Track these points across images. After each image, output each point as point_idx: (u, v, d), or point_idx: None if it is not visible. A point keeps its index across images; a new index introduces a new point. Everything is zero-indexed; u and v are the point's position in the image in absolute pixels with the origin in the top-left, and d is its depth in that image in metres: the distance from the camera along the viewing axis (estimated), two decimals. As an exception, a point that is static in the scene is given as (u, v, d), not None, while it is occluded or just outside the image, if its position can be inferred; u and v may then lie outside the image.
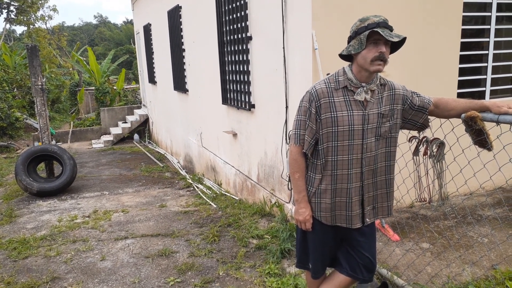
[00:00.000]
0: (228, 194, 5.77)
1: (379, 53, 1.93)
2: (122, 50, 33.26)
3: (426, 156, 2.57)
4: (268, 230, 4.18)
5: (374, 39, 1.94)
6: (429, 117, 2.22)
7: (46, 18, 21.44)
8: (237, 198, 5.52)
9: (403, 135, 2.44)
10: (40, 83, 6.68)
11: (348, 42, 2.07)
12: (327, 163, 2.12)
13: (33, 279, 3.52)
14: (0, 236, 4.59)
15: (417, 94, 2.21)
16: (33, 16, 20.97)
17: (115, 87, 15.25)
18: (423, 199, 2.81)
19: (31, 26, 21.25)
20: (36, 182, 6.24)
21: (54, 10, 22.14)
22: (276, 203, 4.48)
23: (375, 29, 1.90)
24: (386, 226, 3.73)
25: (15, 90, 14.64)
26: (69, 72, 21.13)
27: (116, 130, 12.10)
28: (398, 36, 1.92)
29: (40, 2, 20.71)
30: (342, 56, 2.12)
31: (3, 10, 16.58)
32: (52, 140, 7.80)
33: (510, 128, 2.01)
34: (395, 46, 2.03)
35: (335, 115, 2.06)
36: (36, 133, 11.13)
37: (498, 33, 4.44)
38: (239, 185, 5.58)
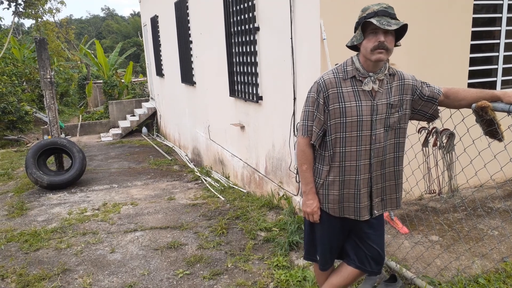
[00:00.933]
0: (236, 187, 5.78)
1: (378, 42, 1.91)
2: (129, 42, 33.32)
3: (436, 147, 2.53)
4: (276, 222, 4.18)
5: (372, 28, 1.93)
6: (439, 107, 2.19)
7: (54, 11, 21.47)
8: (245, 191, 5.53)
9: (412, 126, 2.41)
10: (49, 76, 6.72)
11: (355, 32, 2.05)
12: (335, 154, 2.10)
13: (45, 271, 3.57)
14: (12, 228, 4.65)
15: (427, 84, 2.18)
16: (41, 9, 21.03)
17: (123, 80, 15.30)
18: (432, 191, 2.79)
19: (39, 20, 21.33)
20: (46, 175, 6.30)
21: (62, 3, 22.16)
22: (284, 196, 4.47)
23: (370, 20, 1.89)
24: (395, 218, 3.71)
25: (24, 83, 14.78)
26: (77, 66, 21.24)
27: (124, 123, 12.16)
28: (397, 23, 1.88)
29: (47, -5, 20.75)
30: (349, 46, 2.10)
31: (11, 4, 16.65)
32: (61, 134, 7.87)
33: (522, 119, 1.98)
34: (401, 33, 2.00)
35: (344, 105, 2.04)
36: (46, 126, 11.24)
37: (510, 21, 4.35)
38: (247, 177, 5.58)
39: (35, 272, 3.57)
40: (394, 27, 1.87)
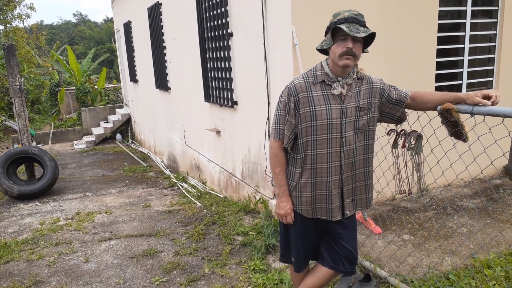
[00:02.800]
0: (213, 192, 5.77)
1: (346, 48, 1.97)
2: (102, 48, 32.79)
3: (405, 148, 2.62)
4: (253, 226, 4.19)
5: (341, 34, 1.98)
6: (406, 110, 2.26)
7: (24, 16, 20.94)
8: (222, 196, 5.52)
9: (382, 128, 2.48)
10: (18, 83, 6.54)
11: (325, 36, 2.10)
12: (306, 157, 2.14)
13: (15, 284, 3.46)
14: (-20, 240, 4.49)
15: (394, 88, 2.25)
16: (9, 14, 20.46)
17: (96, 87, 15.02)
18: (402, 191, 2.87)
19: (8, 25, 20.73)
20: (17, 185, 6.12)
21: (32, 8, 21.63)
22: (261, 200, 4.49)
23: (340, 26, 1.93)
24: (368, 219, 3.79)
25: (-7, 91, 14.31)
26: (49, 72, 20.71)
27: (98, 130, 11.93)
28: (365, 31, 1.94)
29: (16, 0, 20.21)
30: (319, 50, 2.15)
31: (-22, 10, 16.16)
32: (32, 142, 7.65)
33: (484, 119, 2.06)
34: (369, 41, 2.06)
35: (314, 109, 2.08)
36: (16, 135, 10.90)
37: (474, 27, 4.53)
38: (224, 182, 5.58)
39: (5, 285, 3.46)
40: (362, 34, 1.92)
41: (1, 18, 20.05)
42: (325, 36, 2.10)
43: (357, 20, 1.97)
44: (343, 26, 1.92)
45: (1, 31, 19.99)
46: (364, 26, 1.98)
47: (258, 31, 4.08)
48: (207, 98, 5.62)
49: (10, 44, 6.65)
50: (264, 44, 4.02)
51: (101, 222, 4.91)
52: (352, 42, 1.96)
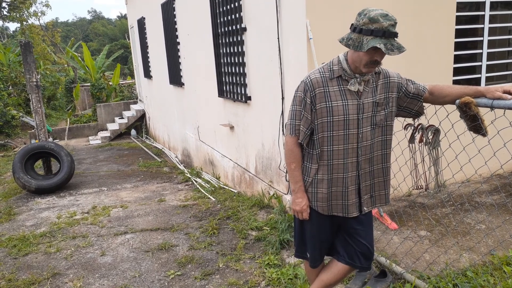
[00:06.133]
0: (227, 187, 5.78)
1: (375, 60, 1.92)
2: (116, 45, 33.09)
3: (422, 143, 2.57)
4: (267, 221, 4.19)
5: (375, 47, 1.87)
6: (424, 104, 2.22)
7: (39, 14, 21.25)
8: (235, 191, 5.54)
9: (399, 122, 2.44)
10: (34, 80, 6.64)
11: (350, 29, 1.97)
12: (322, 153, 2.12)
13: (34, 276, 3.54)
14: (0, 234, 4.59)
15: (412, 82, 2.21)
16: (26, 12, 20.78)
17: (110, 83, 15.18)
18: (419, 187, 2.83)
19: (24, 23, 21.07)
20: (34, 180, 6.23)
21: (47, 5, 21.93)
22: (275, 195, 4.49)
23: (377, 44, 1.83)
24: (384, 214, 3.75)
25: (10, 88, 14.57)
26: (64, 69, 21.01)
27: (113, 126, 12.07)
28: (399, 48, 1.85)
29: (32, -2, 20.51)
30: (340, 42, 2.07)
31: (-5, 7, 16.44)
32: (49, 137, 7.78)
33: (504, 113, 2.02)
34: None
35: (330, 105, 2.06)
36: (33, 130, 11.10)
37: (492, 19, 4.43)
38: (237, 178, 5.59)
39: (25, 277, 3.53)
40: (396, 53, 1.84)
41: (18, 16, 20.38)
42: (351, 31, 1.96)
43: (393, 33, 1.86)
44: (381, 45, 1.83)
45: (18, 29, 20.32)
46: (397, 35, 1.89)
47: (272, 25, 4.05)
48: (221, 93, 5.62)
49: (27, 41, 6.74)
50: (278, 38, 3.99)
51: (117, 216, 4.97)
52: (381, 53, 1.90)
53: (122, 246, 4.06)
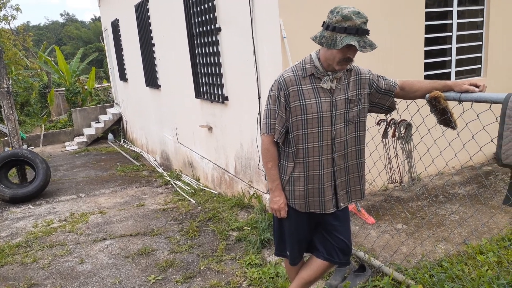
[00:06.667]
0: (207, 189, 5.76)
1: (348, 57, 1.95)
2: (91, 48, 32.48)
3: (395, 138, 2.63)
4: (247, 221, 4.20)
5: (349, 44, 1.89)
6: (395, 99, 2.27)
7: (9, 18, 20.66)
8: (215, 192, 5.52)
9: (372, 118, 2.48)
10: (6, 86, 6.47)
11: (323, 27, 1.98)
12: (298, 150, 2.14)
13: None
14: (-27, 246, 4.45)
15: (383, 78, 2.25)
16: (-5, 17, 20.17)
17: (86, 87, 14.89)
18: (394, 181, 2.88)
19: (-6, 28, 20.44)
20: (8, 189, 6.06)
21: (17, 9, 21.34)
22: (255, 194, 4.50)
23: (351, 42, 1.85)
24: (361, 209, 3.81)
25: (-19, 95, 14.11)
26: (38, 74, 20.48)
27: (89, 131, 11.85)
28: (371, 46, 1.88)
29: (2, 1, 19.93)
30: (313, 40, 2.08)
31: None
32: (23, 145, 7.58)
33: (471, 106, 2.08)
34: None
35: (304, 103, 2.07)
36: (6, 138, 10.78)
37: (461, 14, 4.55)
38: (217, 179, 5.57)
39: (0, 290, 3.44)
40: (368, 50, 1.87)
41: (-14, 20, 19.76)
42: (323, 29, 1.97)
43: (366, 31, 1.89)
44: (355, 42, 1.85)
45: (-13, 34, 19.74)
46: (369, 33, 1.92)
47: (246, 25, 4.06)
48: (198, 94, 5.59)
49: (-5, 46, 6.55)
50: (252, 38, 4.00)
51: (95, 222, 4.88)
52: (354, 50, 1.93)
53: (101, 252, 4.00)
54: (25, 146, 9.70)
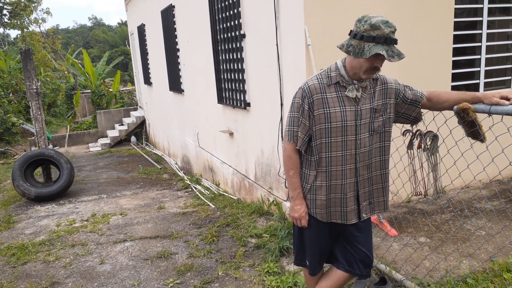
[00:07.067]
0: (226, 194, 5.77)
1: (375, 66, 1.92)
2: (117, 52, 33.21)
3: (420, 149, 2.57)
4: (266, 228, 4.18)
5: (377, 53, 1.87)
6: (422, 110, 2.22)
7: (40, 21, 21.37)
8: (235, 198, 5.52)
9: (397, 129, 2.44)
10: (35, 87, 6.66)
11: (350, 35, 1.96)
12: (321, 159, 2.12)
13: (33, 285, 3.52)
14: (-2, 242, 4.58)
15: (409, 88, 2.21)
16: (26, 19, 20.89)
17: (111, 90, 15.21)
18: (418, 193, 2.82)
19: (25, 30, 21.17)
20: (34, 187, 6.22)
21: (48, 13, 22.08)
22: (274, 202, 4.47)
23: (380, 51, 1.83)
24: (384, 221, 3.73)
25: (11, 95, 14.61)
26: (65, 76, 21.07)
27: (113, 133, 12.07)
28: (399, 55, 1.86)
29: (33, 5, 20.64)
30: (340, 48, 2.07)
31: (-4, 15, 16.54)
32: (49, 145, 7.79)
33: (502, 119, 2.02)
34: None
35: (328, 111, 2.05)
36: (33, 137, 11.10)
37: (491, 24, 4.44)
38: (237, 184, 5.58)
39: (23, 286, 3.51)
40: (396, 60, 1.85)
41: (18, 23, 20.47)
42: (351, 37, 1.95)
43: (394, 40, 1.87)
44: (384, 51, 1.83)
45: (18, 36, 20.41)
46: (397, 42, 1.90)
47: (271, 32, 4.07)
48: (220, 99, 5.63)
49: (27, 49, 6.77)
50: (276, 45, 4.00)
51: (116, 224, 4.95)
52: (381, 59, 1.91)
53: (121, 254, 4.05)
54: (50, 146, 9.96)
